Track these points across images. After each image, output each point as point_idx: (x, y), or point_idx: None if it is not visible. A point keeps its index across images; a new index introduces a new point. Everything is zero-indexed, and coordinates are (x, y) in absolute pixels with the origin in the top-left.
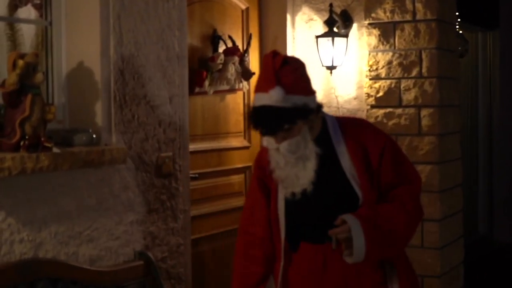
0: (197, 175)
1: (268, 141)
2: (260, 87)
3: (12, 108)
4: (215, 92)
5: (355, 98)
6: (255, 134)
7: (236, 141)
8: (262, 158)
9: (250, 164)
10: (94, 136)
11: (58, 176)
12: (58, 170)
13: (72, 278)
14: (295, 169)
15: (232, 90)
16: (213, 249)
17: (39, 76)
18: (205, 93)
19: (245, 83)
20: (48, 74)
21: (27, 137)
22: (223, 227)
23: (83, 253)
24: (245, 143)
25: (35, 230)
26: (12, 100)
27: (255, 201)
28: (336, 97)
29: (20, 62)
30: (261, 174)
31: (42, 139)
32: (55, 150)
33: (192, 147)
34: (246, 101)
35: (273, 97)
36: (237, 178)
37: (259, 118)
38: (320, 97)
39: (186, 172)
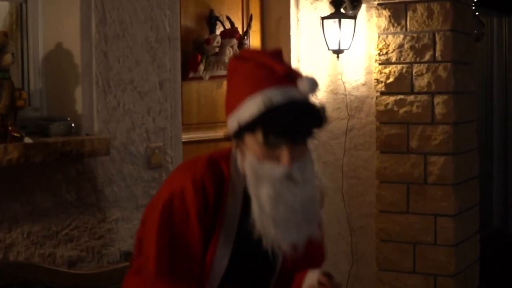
0: None
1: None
2: (276, 80)
3: None
4: (211, 77)
5: (363, 84)
6: None
7: None
8: (207, 178)
9: None
10: (73, 125)
11: (30, 169)
12: (30, 163)
13: (48, 283)
14: (301, 210)
15: None
16: None
17: (7, 58)
18: (200, 78)
19: None
20: (24, 57)
21: None
22: None
23: (61, 254)
24: None
25: (4, 230)
26: None
27: (183, 245)
28: (343, 83)
29: None
30: (202, 205)
31: (10, 128)
32: (27, 140)
33: (186, 137)
34: None
35: (306, 88)
36: None
37: (291, 117)
38: (326, 83)
39: (179, 164)
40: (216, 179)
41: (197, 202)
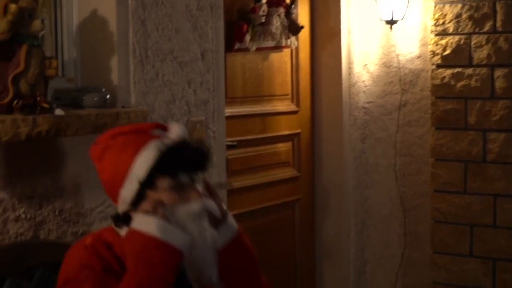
0: (235, 143)
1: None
2: (150, 136)
3: (4, 62)
4: (258, 49)
5: (418, 57)
6: (305, 98)
7: (282, 105)
8: (99, 246)
9: (298, 130)
10: (108, 96)
11: (62, 143)
12: (61, 136)
13: None
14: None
15: (278, 47)
16: (254, 226)
17: (37, 24)
18: (246, 49)
19: (292, 38)
20: (57, 25)
21: (21, 96)
22: (267, 202)
23: None
24: (293, 107)
25: (34, 207)
26: (3, 52)
27: None
28: (397, 56)
29: (12, 7)
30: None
31: (39, 98)
32: (58, 112)
33: (230, 111)
34: (294, 60)
35: (179, 134)
36: (284, 147)
37: (190, 150)
38: (378, 56)
39: (222, 140)
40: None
41: (101, 263)
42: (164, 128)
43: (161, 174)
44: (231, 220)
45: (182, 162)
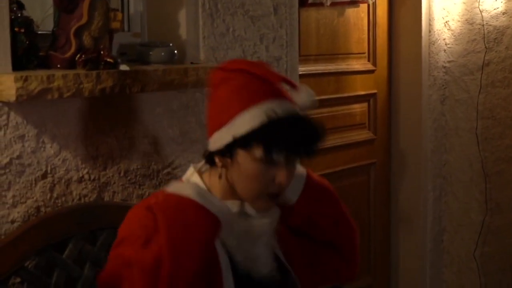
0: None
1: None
2: (272, 92)
3: (67, 14)
4: (333, 3)
5: (504, 13)
6: (382, 56)
7: (359, 64)
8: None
9: (374, 90)
10: (175, 52)
11: (127, 100)
12: (126, 93)
13: None
14: None
15: (354, 2)
16: None
17: None
18: (321, 4)
19: None
20: None
21: (84, 50)
22: (340, 165)
23: None
24: (369, 66)
25: (98, 167)
26: (66, 4)
27: None
28: (481, 12)
29: None
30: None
31: (103, 53)
32: (123, 67)
33: (303, 69)
34: (371, 16)
35: (304, 102)
36: (359, 108)
37: (295, 132)
38: (460, 12)
39: None
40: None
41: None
42: (293, 86)
43: (256, 141)
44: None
45: (280, 139)
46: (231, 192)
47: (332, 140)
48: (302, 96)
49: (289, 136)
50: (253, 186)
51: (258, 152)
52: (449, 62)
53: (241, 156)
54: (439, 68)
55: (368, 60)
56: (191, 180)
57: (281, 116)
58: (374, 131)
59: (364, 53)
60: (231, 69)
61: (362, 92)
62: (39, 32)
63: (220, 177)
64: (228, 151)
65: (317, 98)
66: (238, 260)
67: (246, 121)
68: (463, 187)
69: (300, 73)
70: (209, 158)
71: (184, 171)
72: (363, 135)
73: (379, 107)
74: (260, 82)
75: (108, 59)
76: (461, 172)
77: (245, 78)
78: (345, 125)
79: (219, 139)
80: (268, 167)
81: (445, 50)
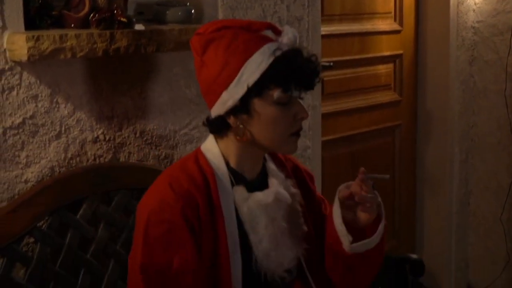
0: (331, 64)
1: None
2: (263, 37)
3: None
4: None
5: None
6: (409, 16)
7: (384, 24)
8: (185, 181)
9: (401, 51)
10: (193, 11)
11: (143, 60)
12: (141, 53)
13: None
14: None
15: None
16: (351, 153)
17: None
18: None
19: None
20: None
21: (98, 10)
22: (365, 127)
23: (178, 156)
24: (395, 26)
25: (113, 128)
26: None
27: (182, 260)
28: None
29: None
30: (191, 214)
31: (116, 12)
32: (138, 27)
33: (326, 29)
34: None
35: (291, 40)
36: (385, 69)
37: (304, 61)
38: None
39: None
40: (196, 179)
41: (181, 206)
42: (276, 31)
43: (271, 83)
44: (381, 226)
45: (295, 72)
46: (248, 154)
47: (356, 102)
48: (289, 35)
49: (300, 68)
50: (277, 131)
51: (276, 93)
52: (478, 22)
53: (258, 104)
54: (467, 29)
55: (395, 20)
56: (211, 150)
57: (286, 53)
58: (400, 92)
59: (390, 12)
60: (213, 30)
61: (388, 53)
62: None
63: (237, 135)
64: (243, 105)
65: (341, 59)
66: (254, 246)
67: (255, 67)
68: (490, 150)
69: (323, 33)
70: (218, 124)
71: (201, 132)
72: (388, 96)
73: (405, 68)
74: (247, 32)
75: (122, 19)
76: (489, 135)
77: (231, 33)
78: (369, 86)
79: (230, 97)
80: (287, 107)
81: (474, 10)
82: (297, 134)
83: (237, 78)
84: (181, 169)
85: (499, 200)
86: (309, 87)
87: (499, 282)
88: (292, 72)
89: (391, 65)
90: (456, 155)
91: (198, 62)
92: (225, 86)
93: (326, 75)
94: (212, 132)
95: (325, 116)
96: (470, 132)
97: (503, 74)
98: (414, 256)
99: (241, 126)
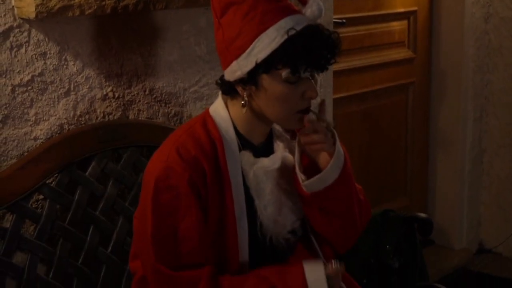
0: (344, 21)
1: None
2: (283, 9)
3: None
4: None
5: None
6: None
7: None
8: (192, 146)
9: (415, 8)
10: None
11: (152, 17)
12: (150, 10)
13: None
14: None
15: None
16: (363, 111)
17: None
18: None
19: None
20: None
21: None
22: (378, 84)
23: (188, 114)
24: None
25: (123, 85)
26: None
27: (188, 225)
28: None
29: None
30: (198, 181)
31: None
32: None
33: None
34: None
35: (315, 14)
36: (398, 25)
37: (316, 44)
38: None
39: (329, 16)
40: (204, 145)
41: (188, 173)
42: (302, 1)
43: (280, 62)
44: (332, 161)
45: (307, 55)
46: (256, 121)
47: (369, 59)
48: (313, 7)
49: (312, 49)
50: (283, 108)
51: (284, 72)
52: None
53: (266, 80)
54: None
55: None
56: (220, 113)
57: (301, 31)
58: (414, 49)
59: None
60: None
61: (402, 10)
62: None
63: (244, 105)
64: (251, 78)
65: (354, 15)
66: (259, 211)
67: (266, 43)
68: (505, 108)
69: None
70: (229, 88)
71: (211, 89)
72: (402, 53)
73: (419, 25)
74: (268, 1)
75: None
76: (503, 93)
77: (249, 2)
78: (383, 43)
79: (239, 68)
80: (295, 85)
81: None
82: (304, 111)
83: (248, 50)
84: (188, 134)
85: None
86: (320, 69)
87: (511, 240)
88: (304, 54)
89: (405, 22)
90: (470, 113)
91: (216, 23)
92: (236, 56)
93: (339, 31)
94: (223, 92)
95: (337, 74)
96: (484, 90)
97: None
98: (422, 215)
99: (246, 98)
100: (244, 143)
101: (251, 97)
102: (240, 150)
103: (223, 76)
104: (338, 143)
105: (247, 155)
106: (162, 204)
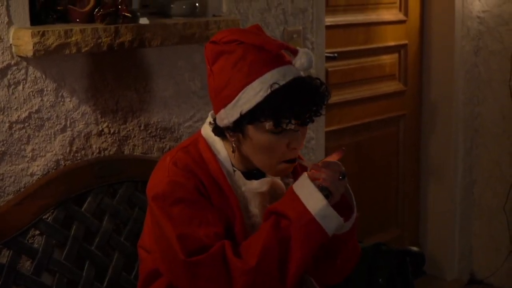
0: (336, 55)
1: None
2: (272, 61)
3: None
4: None
5: None
6: (414, 6)
7: (389, 14)
8: (189, 162)
9: (405, 41)
10: (197, 4)
11: (147, 54)
12: (146, 47)
13: None
14: None
15: None
16: (355, 143)
17: None
18: None
19: None
20: None
21: (103, 4)
22: (369, 117)
23: None
24: (400, 16)
25: (118, 121)
26: None
27: (196, 211)
28: None
29: None
30: (201, 188)
31: (120, 7)
32: (142, 21)
33: (331, 20)
34: None
35: (304, 65)
36: (389, 59)
37: (300, 98)
38: None
39: (321, 51)
40: (198, 162)
41: (193, 181)
42: (292, 51)
43: (263, 115)
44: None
45: (290, 109)
46: (246, 161)
47: (361, 92)
48: (302, 60)
49: (296, 104)
50: (268, 156)
51: (267, 124)
52: (483, 12)
53: (251, 130)
54: (473, 18)
55: (400, 10)
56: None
57: (285, 85)
58: (405, 82)
59: (395, 2)
60: (226, 42)
61: (393, 43)
62: None
63: (233, 151)
64: (237, 127)
65: (345, 49)
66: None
67: (251, 96)
68: (495, 139)
69: (327, 24)
70: (219, 131)
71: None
72: (393, 86)
73: (410, 58)
74: (258, 52)
75: (127, 13)
76: (493, 125)
77: (242, 50)
78: (374, 76)
79: (226, 117)
80: (280, 136)
81: (479, 0)
82: (290, 162)
83: (234, 101)
84: (183, 152)
85: (503, 189)
86: (305, 123)
87: (502, 271)
88: (287, 108)
89: (396, 55)
90: (461, 144)
91: (208, 70)
92: (224, 104)
93: (331, 65)
94: (215, 134)
95: (329, 107)
96: (474, 122)
97: (508, 64)
98: (414, 248)
99: (234, 145)
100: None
101: (239, 143)
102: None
103: (215, 119)
104: (350, 191)
105: (238, 174)
106: (176, 216)
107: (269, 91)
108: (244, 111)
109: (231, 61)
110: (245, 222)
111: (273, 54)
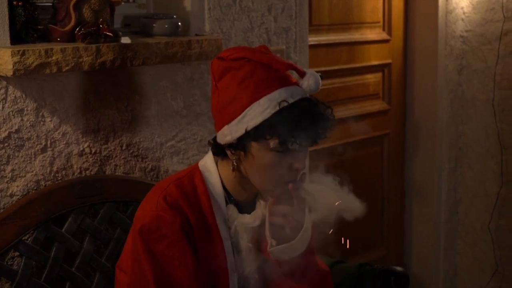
0: (320, 74)
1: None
2: (279, 80)
3: None
4: None
5: None
6: (397, 25)
7: (373, 33)
8: (179, 196)
9: (389, 60)
10: (179, 24)
11: (130, 73)
12: (127, 66)
13: None
14: None
15: None
16: (340, 162)
17: None
18: None
19: None
20: None
21: (84, 24)
22: (353, 136)
23: (165, 168)
24: (384, 36)
25: (99, 141)
26: None
27: (184, 274)
28: None
29: None
30: (187, 226)
31: (101, 26)
32: (124, 40)
33: (315, 39)
34: None
35: (311, 86)
36: (373, 78)
37: (307, 120)
38: None
39: None
40: (190, 197)
41: (179, 219)
42: (300, 73)
43: (269, 133)
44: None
45: (296, 128)
46: (245, 183)
47: (345, 111)
48: (309, 81)
49: (304, 123)
50: (269, 177)
51: (272, 142)
52: (466, 31)
53: (255, 148)
54: (456, 38)
55: (383, 29)
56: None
57: (294, 104)
58: (388, 101)
59: (379, 22)
60: (234, 58)
61: (376, 62)
62: (40, 4)
63: (233, 170)
64: (240, 144)
65: (329, 68)
66: (239, 266)
67: (258, 113)
68: (479, 158)
69: (311, 43)
70: (219, 150)
71: (188, 144)
72: (377, 105)
73: (394, 77)
74: (266, 70)
75: (108, 33)
76: (477, 144)
77: (250, 67)
78: (358, 95)
79: (229, 133)
80: (283, 156)
81: (462, 19)
82: (289, 182)
83: (239, 117)
84: (176, 185)
85: (487, 209)
86: (309, 144)
87: None
88: (293, 127)
89: (379, 74)
90: (445, 164)
91: (213, 86)
92: (228, 121)
93: None
94: (214, 153)
95: None
96: (458, 141)
97: (491, 83)
98: (398, 268)
99: (235, 163)
100: (230, 198)
101: (240, 161)
102: (226, 204)
103: (215, 137)
104: (307, 214)
105: (231, 209)
106: (157, 253)
107: (277, 108)
108: (249, 128)
109: (238, 78)
110: (234, 257)
111: (280, 73)
